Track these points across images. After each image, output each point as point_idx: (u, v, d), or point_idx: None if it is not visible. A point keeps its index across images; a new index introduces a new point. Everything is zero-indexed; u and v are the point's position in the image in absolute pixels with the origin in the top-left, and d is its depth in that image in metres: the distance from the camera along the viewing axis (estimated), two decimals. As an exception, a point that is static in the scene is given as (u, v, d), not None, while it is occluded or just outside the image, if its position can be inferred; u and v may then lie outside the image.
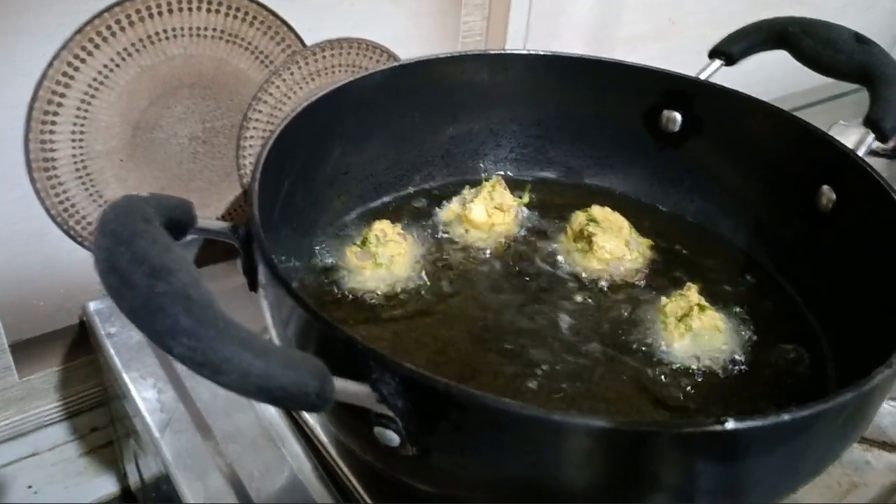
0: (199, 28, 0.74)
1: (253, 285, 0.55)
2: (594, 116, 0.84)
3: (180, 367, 0.61)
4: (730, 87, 0.78)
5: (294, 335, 0.49)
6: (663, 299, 0.68)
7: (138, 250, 0.38)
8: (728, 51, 0.80)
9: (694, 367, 0.64)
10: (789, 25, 0.77)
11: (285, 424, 0.67)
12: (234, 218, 0.86)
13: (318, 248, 0.73)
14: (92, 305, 0.79)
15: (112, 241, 0.39)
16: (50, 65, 0.68)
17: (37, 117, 0.69)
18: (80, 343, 0.83)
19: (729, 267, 0.76)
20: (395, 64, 0.77)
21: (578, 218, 0.76)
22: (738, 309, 0.70)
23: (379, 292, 0.69)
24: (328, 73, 0.85)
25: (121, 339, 0.75)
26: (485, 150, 0.86)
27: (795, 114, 0.74)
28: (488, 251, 0.75)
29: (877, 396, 0.49)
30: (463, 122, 0.83)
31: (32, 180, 0.72)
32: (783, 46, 0.78)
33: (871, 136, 0.69)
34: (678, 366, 0.64)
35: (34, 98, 0.68)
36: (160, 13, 0.71)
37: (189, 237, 0.51)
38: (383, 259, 0.69)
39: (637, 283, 0.73)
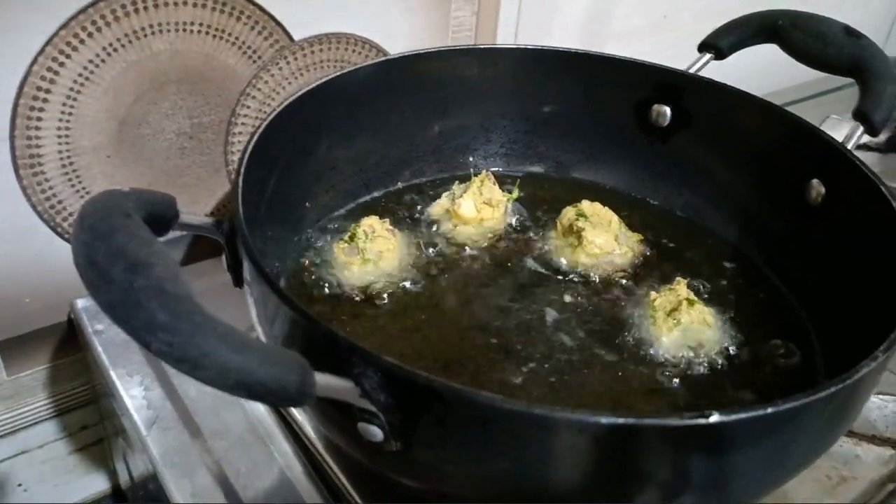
0: (185, 23, 0.73)
1: (238, 281, 0.55)
2: (584, 111, 0.83)
3: (168, 365, 0.61)
4: (721, 81, 0.77)
5: (278, 330, 0.48)
6: (652, 294, 0.68)
7: (116, 245, 0.38)
8: (717, 44, 0.79)
9: (683, 361, 0.64)
10: (779, 18, 0.77)
11: (273, 422, 0.67)
12: (224, 214, 0.86)
13: (306, 243, 0.72)
14: (80, 303, 0.79)
15: (90, 236, 0.39)
16: (35, 60, 0.68)
17: (22, 113, 0.69)
18: (69, 340, 0.83)
19: (718, 261, 0.76)
20: (383, 59, 0.76)
21: (568, 213, 0.76)
22: (726, 303, 0.70)
23: (367, 288, 0.68)
24: (317, 68, 0.84)
25: (108, 336, 0.75)
26: (474, 145, 0.85)
27: (789, 108, 0.74)
28: (477, 246, 0.75)
29: (862, 390, 0.48)
30: (452, 116, 0.83)
31: (18, 177, 0.71)
32: (773, 40, 0.78)
33: (861, 129, 0.69)
34: (667, 360, 0.64)
35: (19, 94, 0.68)
36: (146, 8, 0.70)
37: (175, 233, 0.51)
38: (371, 255, 0.69)
39: (626, 277, 0.72)
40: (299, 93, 0.67)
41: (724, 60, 0.81)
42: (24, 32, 0.66)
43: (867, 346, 0.48)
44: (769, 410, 0.41)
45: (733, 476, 0.46)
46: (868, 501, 0.64)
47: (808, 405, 0.43)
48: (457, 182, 0.80)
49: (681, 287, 0.67)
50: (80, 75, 0.70)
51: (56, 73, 0.69)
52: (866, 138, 0.70)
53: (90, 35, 0.69)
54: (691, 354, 0.64)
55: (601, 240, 0.73)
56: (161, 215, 0.47)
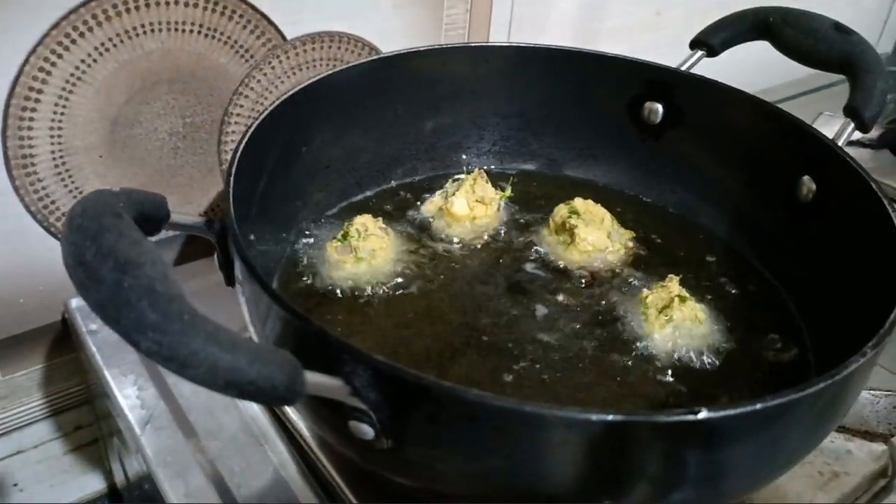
0: (176, 23, 0.73)
1: (230, 280, 0.55)
2: (577, 108, 0.83)
3: (160, 364, 0.61)
4: (714, 78, 0.78)
5: (270, 329, 0.48)
6: (644, 291, 0.68)
7: (106, 245, 0.38)
8: (709, 41, 0.80)
9: (675, 357, 0.64)
10: (771, 15, 0.77)
11: (268, 421, 0.67)
12: (217, 214, 0.86)
13: (298, 242, 0.72)
14: (73, 302, 0.79)
15: (79, 236, 0.39)
16: (26, 61, 0.68)
17: (14, 113, 0.69)
18: (63, 340, 0.83)
19: (710, 258, 0.76)
20: (376, 57, 0.76)
21: (560, 210, 0.76)
22: (718, 299, 0.70)
23: (360, 286, 0.68)
24: (310, 66, 0.84)
25: (102, 336, 0.75)
26: (467, 143, 0.85)
27: (783, 105, 0.74)
28: (470, 245, 0.75)
29: (852, 385, 0.49)
30: (445, 114, 0.83)
31: (11, 177, 0.71)
32: (765, 37, 0.78)
33: (852, 125, 0.69)
34: (659, 356, 0.64)
35: (11, 94, 0.68)
36: (137, 8, 0.70)
37: (169, 232, 0.51)
38: (364, 253, 0.69)
39: (618, 274, 0.73)
40: (291, 91, 0.67)
41: (718, 57, 0.81)
42: (15, 32, 0.66)
43: (858, 342, 0.48)
44: (758, 406, 0.41)
45: (723, 472, 0.47)
46: (860, 496, 0.64)
47: (798, 401, 0.43)
48: (450, 180, 0.80)
49: (673, 284, 0.67)
50: (72, 75, 0.70)
51: (48, 73, 0.69)
52: (858, 134, 0.70)
53: (82, 35, 0.69)
54: (683, 351, 0.64)
55: (593, 237, 0.73)
56: (151, 215, 0.48)
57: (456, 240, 0.75)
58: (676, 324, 0.65)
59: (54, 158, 0.73)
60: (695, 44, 0.80)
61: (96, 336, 0.75)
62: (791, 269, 0.71)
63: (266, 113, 0.64)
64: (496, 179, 0.81)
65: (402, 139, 0.82)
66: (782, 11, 0.77)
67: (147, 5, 0.71)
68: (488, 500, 0.48)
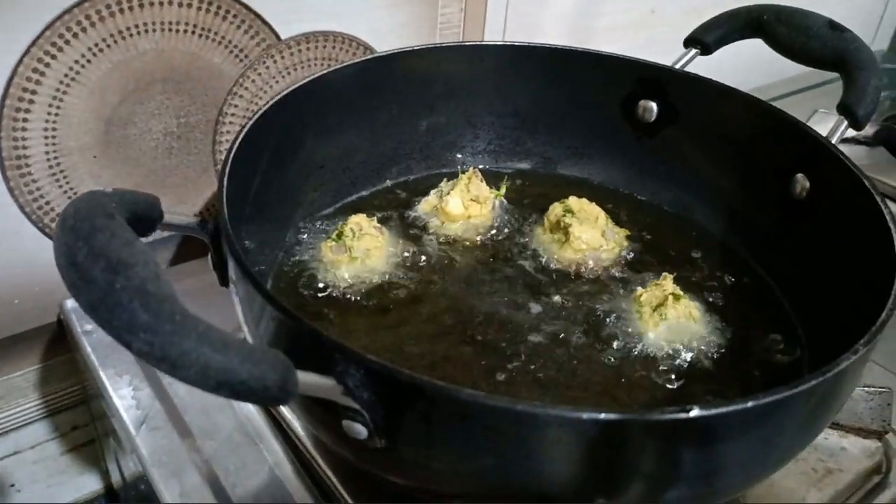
0: (170, 23, 0.73)
1: (223, 280, 0.55)
2: (571, 107, 0.84)
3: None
4: (708, 76, 0.78)
5: (263, 329, 0.48)
6: (638, 289, 0.68)
7: (98, 245, 0.38)
8: (703, 39, 0.79)
9: (669, 355, 0.64)
10: (764, 13, 0.77)
11: (263, 421, 0.67)
12: (211, 214, 0.86)
13: (293, 242, 0.72)
14: (69, 303, 0.79)
15: (72, 237, 0.39)
16: (20, 61, 0.68)
17: (8, 114, 0.69)
18: (59, 341, 0.83)
19: (704, 255, 0.76)
20: (370, 56, 0.76)
21: (555, 209, 0.76)
22: (712, 297, 0.70)
23: (354, 286, 0.68)
24: (304, 66, 0.84)
25: (97, 336, 0.75)
26: (462, 142, 0.85)
27: (779, 102, 0.75)
28: (465, 243, 0.75)
29: (845, 382, 0.49)
30: (440, 114, 0.83)
31: (5, 178, 0.71)
32: (758, 34, 0.78)
33: (845, 123, 0.69)
34: (653, 355, 0.64)
35: (5, 95, 0.68)
36: (131, 8, 0.70)
37: (164, 233, 0.51)
38: (358, 253, 0.69)
39: (613, 273, 0.73)
40: (285, 91, 0.67)
41: (713, 56, 0.81)
42: (9, 33, 0.66)
43: (851, 339, 0.48)
44: (749, 404, 0.41)
45: (717, 469, 0.47)
46: (854, 493, 0.64)
47: (789, 398, 0.43)
48: (444, 179, 0.80)
49: (667, 282, 0.67)
50: (66, 76, 0.70)
51: (42, 73, 0.69)
52: (852, 132, 0.70)
53: (75, 35, 0.69)
54: (678, 348, 0.64)
55: (588, 235, 0.73)
56: (144, 215, 0.47)
57: (451, 239, 0.75)
58: (670, 322, 0.65)
59: (48, 159, 0.73)
60: (689, 42, 0.80)
61: (91, 336, 0.75)
62: (785, 266, 0.71)
63: (260, 113, 0.64)
64: (491, 178, 0.81)
65: (396, 138, 0.82)
66: (776, 9, 0.77)
67: (140, 6, 0.71)
68: (482, 499, 0.48)
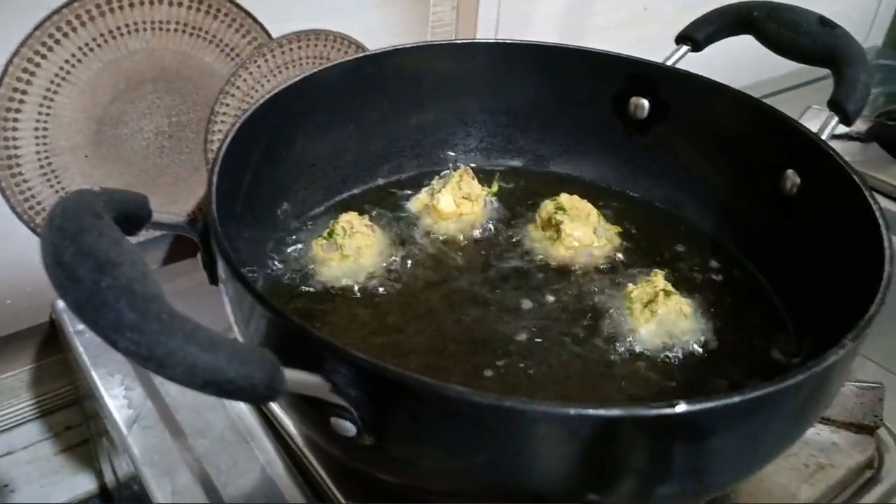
0: (161, 22, 0.73)
1: (213, 279, 0.55)
2: (563, 104, 0.84)
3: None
4: (700, 73, 0.78)
5: (253, 327, 0.48)
6: (629, 285, 0.68)
7: (85, 245, 0.38)
8: (694, 36, 0.80)
9: (660, 351, 0.64)
10: (755, 10, 0.77)
11: (255, 420, 0.67)
12: (204, 212, 0.86)
13: (284, 240, 0.72)
14: (61, 303, 0.79)
15: (58, 236, 0.39)
16: (10, 61, 0.67)
17: (-2, 114, 0.69)
18: (51, 341, 0.83)
19: (695, 252, 0.76)
20: (361, 54, 0.76)
21: (547, 206, 0.76)
22: (703, 293, 0.70)
23: (346, 284, 0.68)
24: (296, 65, 0.84)
25: (89, 336, 0.74)
26: (454, 140, 0.85)
27: (772, 99, 0.75)
28: (456, 241, 0.75)
29: (833, 377, 0.49)
30: (431, 111, 0.83)
31: (-4, 178, 0.71)
32: (749, 31, 0.78)
33: (836, 119, 0.69)
34: (644, 351, 0.64)
35: (-6, 95, 0.68)
36: (121, 8, 0.70)
37: (156, 232, 0.51)
38: (350, 251, 0.69)
39: (604, 269, 0.73)
40: (275, 90, 0.67)
41: (705, 52, 0.81)
42: (-2, 33, 0.66)
43: (842, 335, 0.48)
44: (737, 399, 0.41)
45: (706, 464, 0.47)
46: (846, 489, 0.64)
47: (777, 393, 0.43)
48: (436, 177, 0.81)
49: (658, 278, 0.67)
50: (57, 75, 0.70)
51: (32, 73, 0.69)
52: (844, 128, 0.70)
53: (66, 35, 0.69)
54: (669, 345, 0.64)
55: (579, 232, 0.73)
56: (133, 215, 0.47)
57: (442, 236, 0.75)
58: (661, 318, 0.65)
59: (39, 159, 0.73)
60: (680, 39, 0.81)
61: (83, 336, 0.75)
62: (776, 262, 0.71)
63: (250, 111, 0.64)
64: (483, 176, 0.81)
65: (387, 137, 0.82)
66: (767, 6, 0.77)
67: (131, 5, 0.71)
68: (473, 496, 0.48)
